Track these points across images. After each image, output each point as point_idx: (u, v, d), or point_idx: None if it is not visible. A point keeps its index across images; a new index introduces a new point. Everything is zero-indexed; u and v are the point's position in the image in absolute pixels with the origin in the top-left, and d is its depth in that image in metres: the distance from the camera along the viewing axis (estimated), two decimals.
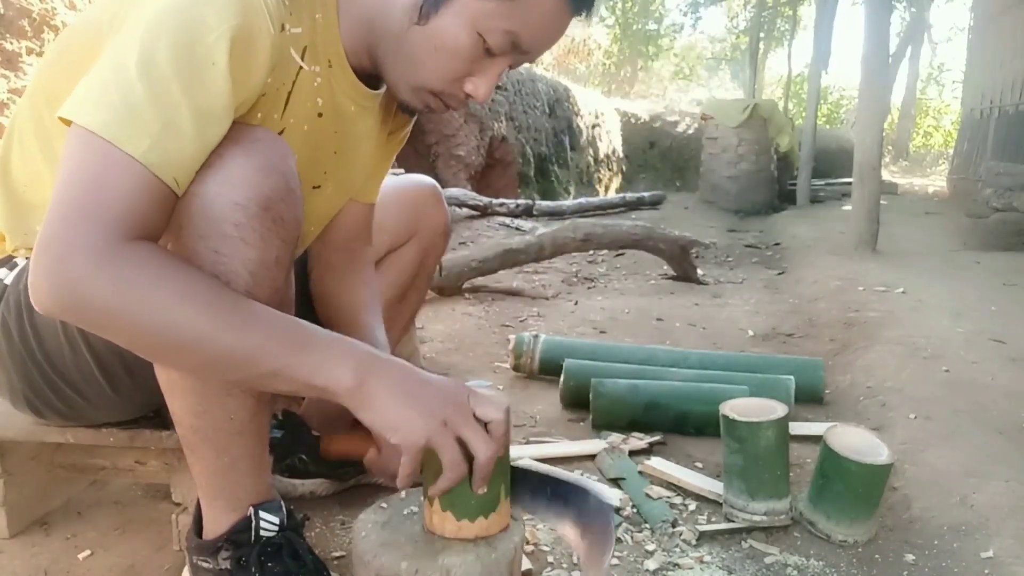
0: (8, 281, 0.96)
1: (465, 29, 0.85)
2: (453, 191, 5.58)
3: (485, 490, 0.83)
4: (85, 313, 0.71)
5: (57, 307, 0.70)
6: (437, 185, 1.39)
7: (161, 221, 0.75)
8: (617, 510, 1.30)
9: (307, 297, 1.19)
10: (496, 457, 0.81)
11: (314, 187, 1.00)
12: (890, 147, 18.69)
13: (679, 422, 1.70)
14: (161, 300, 0.71)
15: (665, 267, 4.04)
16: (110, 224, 0.69)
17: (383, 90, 1.02)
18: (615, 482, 1.42)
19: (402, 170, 1.79)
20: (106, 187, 0.70)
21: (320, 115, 0.93)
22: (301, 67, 0.88)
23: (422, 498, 0.92)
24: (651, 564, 1.16)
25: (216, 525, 0.92)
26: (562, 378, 1.86)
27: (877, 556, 1.21)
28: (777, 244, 5.43)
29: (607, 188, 9.84)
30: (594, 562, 0.86)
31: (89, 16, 0.87)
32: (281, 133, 0.88)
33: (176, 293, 0.71)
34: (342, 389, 0.77)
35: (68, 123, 0.72)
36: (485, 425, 0.81)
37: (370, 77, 0.98)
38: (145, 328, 0.71)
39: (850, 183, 4.86)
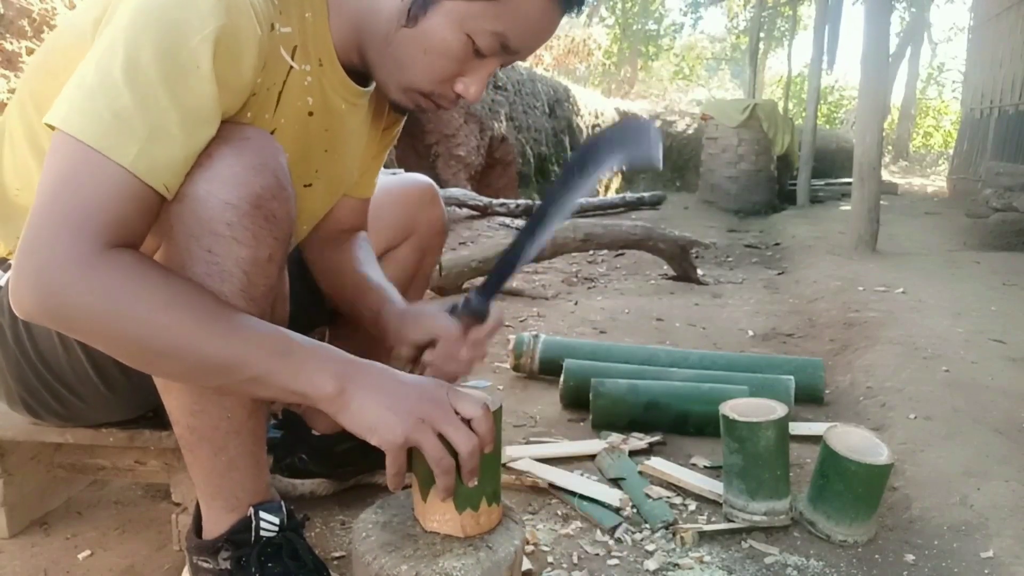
0: (1, 283, 0.96)
1: (454, 31, 0.85)
2: (453, 191, 5.57)
3: (476, 483, 0.83)
4: (66, 320, 0.71)
5: (38, 314, 0.71)
6: (434, 183, 1.38)
7: (146, 226, 0.75)
8: (617, 510, 1.30)
9: (309, 283, 1.19)
10: (479, 450, 0.80)
11: (305, 185, 1.00)
12: (890, 147, 18.69)
13: (679, 422, 1.70)
14: (143, 308, 0.71)
15: (665, 267, 4.04)
16: (93, 232, 0.69)
17: (373, 87, 1.01)
18: (615, 482, 1.42)
19: (401, 170, 1.79)
20: (90, 195, 0.70)
21: (311, 114, 0.93)
22: (292, 67, 0.87)
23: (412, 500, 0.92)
24: (651, 564, 1.16)
25: (215, 525, 0.92)
26: (562, 378, 1.86)
27: (877, 556, 1.21)
28: (777, 244, 5.44)
29: (607, 188, 9.84)
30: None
31: (73, 19, 0.86)
32: (272, 133, 0.88)
33: (158, 301, 0.71)
34: (322, 395, 0.77)
35: (53, 128, 0.72)
36: (469, 422, 0.81)
37: (361, 74, 0.97)
38: (127, 335, 0.72)
39: (850, 183, 4.86)
